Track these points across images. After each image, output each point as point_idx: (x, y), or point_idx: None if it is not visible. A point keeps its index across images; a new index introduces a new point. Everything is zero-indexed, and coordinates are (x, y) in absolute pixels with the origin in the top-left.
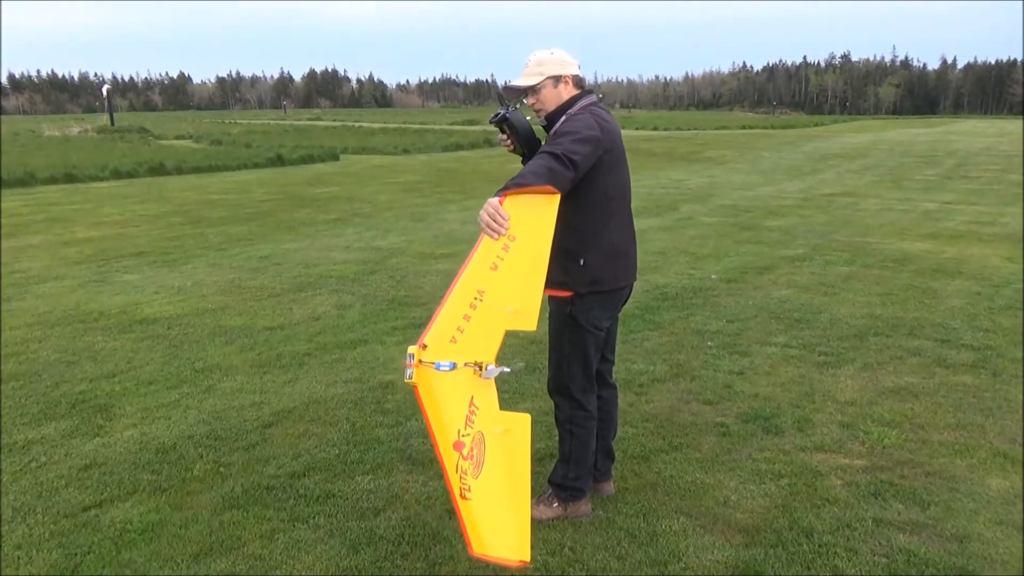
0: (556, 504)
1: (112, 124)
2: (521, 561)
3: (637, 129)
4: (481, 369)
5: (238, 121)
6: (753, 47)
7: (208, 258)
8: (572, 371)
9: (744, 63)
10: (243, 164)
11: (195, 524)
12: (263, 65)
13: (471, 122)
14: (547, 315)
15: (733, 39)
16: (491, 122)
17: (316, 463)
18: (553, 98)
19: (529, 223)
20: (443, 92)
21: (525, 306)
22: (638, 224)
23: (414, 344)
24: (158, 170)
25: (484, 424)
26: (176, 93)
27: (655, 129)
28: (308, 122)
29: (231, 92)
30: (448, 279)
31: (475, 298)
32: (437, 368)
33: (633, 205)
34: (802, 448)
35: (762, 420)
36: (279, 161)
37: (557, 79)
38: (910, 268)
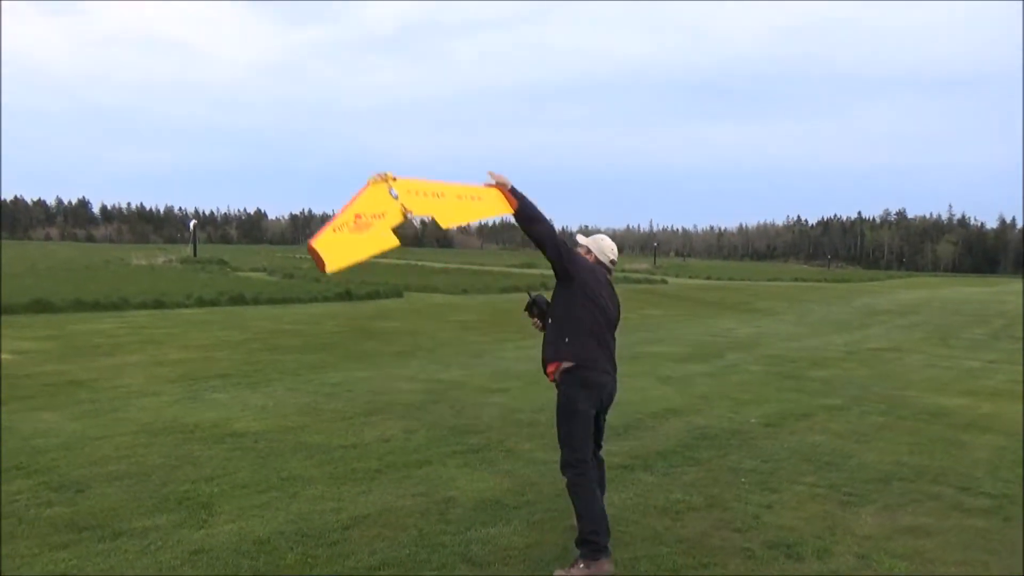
0: (581, 564)
1: (195, 255)
2: (326, 269)
3: (691, 278)
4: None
5: (308, 257)
6: (807, 200)
7: (286, 382)
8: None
9: (798, 216)
10: (314, 297)
11: None
12: (333, 204)
13: (528, 265)
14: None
15: (787, 192)
16: (524, 311)
17: (389, 560)
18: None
19: (499, 205)
20: (502, 235)
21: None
22: (683, 369)
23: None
24: (238, 299)
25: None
26: (251, 228)
27: (708, 278)
28: (372, 259)
29: (302, 228)
30: (505, 411)
31: (454, 194)
32: (391, 192)
33: (681, 352)
34: (819, 573)
35: (785, 547)
36: (347, 296)
37: (588, 250)
38: (943, 421)
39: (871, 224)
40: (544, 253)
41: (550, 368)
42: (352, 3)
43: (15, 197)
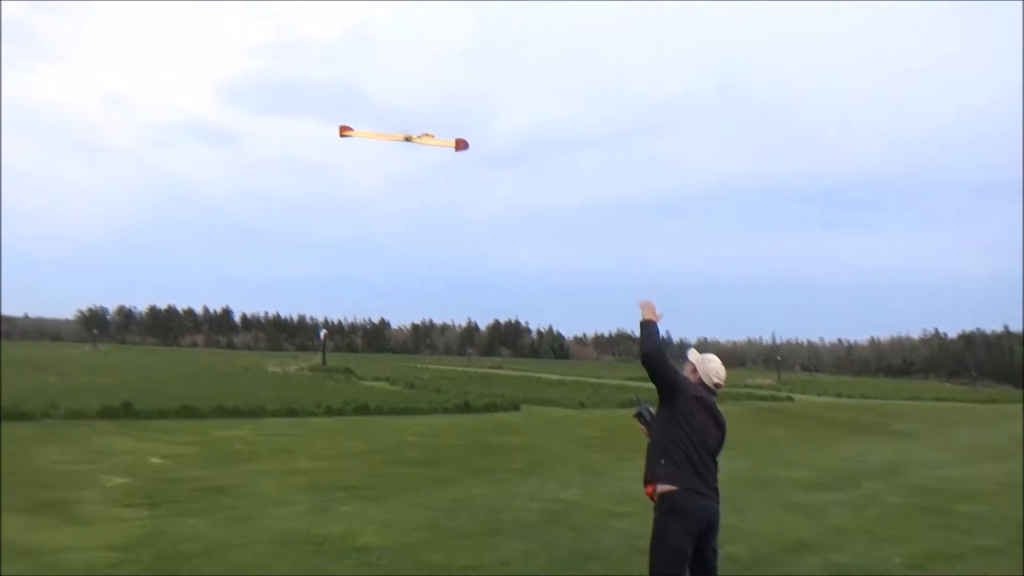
0: None
1: (324, 363)
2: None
3: (819, 395)
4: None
5: (428, 366)
6: (945, 312)
7: (408, 496)
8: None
9: (936, 329)
10: (434, 408)
11: None
12: (453, 314)
13: (646, 378)
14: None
15: (922, 302)
16: (633, 416)
17: None
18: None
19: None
20: (618, 346)
21: None
22: (815, 498)
23: None
24: (362, 409)
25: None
26: (376, 336)
27: (838, 396)
28: (490, 370)
29: (423, 338)
30: (626, 537)
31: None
32: None
33: (811, 478)
34: None
35: None
36: (466, 407)
37: (694, 368)
38: None
39: (1021, 338)
40: (647, 371)
41: (647, 489)
42: (476, 121)
43: (168, 306)
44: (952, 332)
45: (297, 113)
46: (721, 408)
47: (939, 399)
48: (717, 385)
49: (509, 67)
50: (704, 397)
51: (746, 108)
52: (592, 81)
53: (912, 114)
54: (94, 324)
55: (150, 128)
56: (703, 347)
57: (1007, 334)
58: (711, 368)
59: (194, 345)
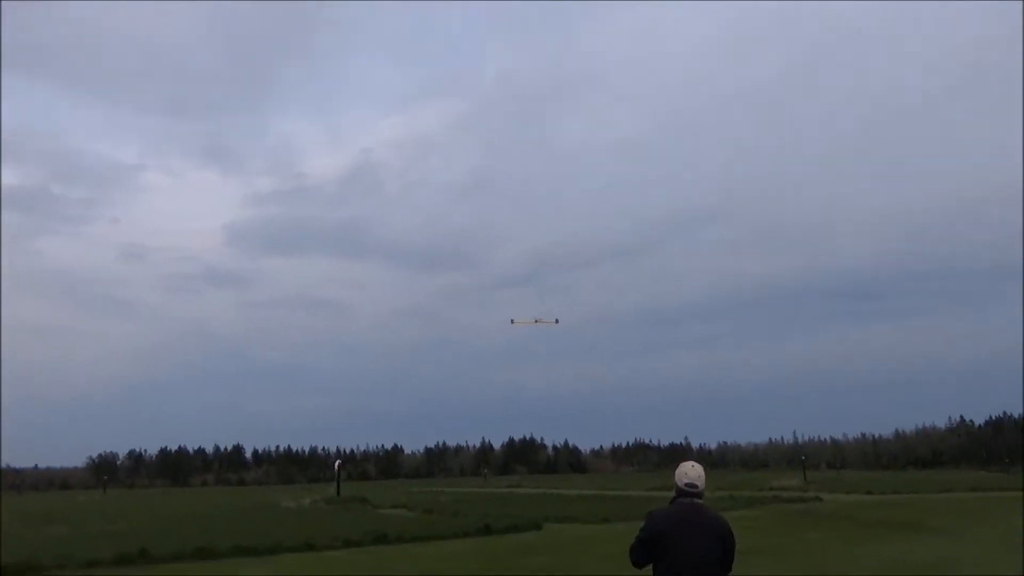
0: None
1: (338, 494)
2: None
3: (847, 493)
4: None
5: (444, 490)
6: (968, 398)
7: None
8: None
9: (962, 416)
10: (455, 533)
11: None
12: (468, 436)
13: (666, 488)
14: None
15: (944, 391)
16: None
17: None
18: None
19: None
20: (636, 457)
21: None
22: None
23: None
24: (380, 539)
25: None
26: (388, 463)
27: (868, 493)
28: (508, 489)
29: (436, 461)
30: None
31: None
32: None
33: None
34: None
35: None
36: (487, 530)
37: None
38: None
39: None
40: None
41: None
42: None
43: (179, 447)
44: (979, 419)
45: (308, 252)
46: (750, 513)
47: (974, 489)
48: (690, 486)
49: (512, 194)
50: (677, 513)
51: (753, 217)
52: (596, 200)
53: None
54: (104, 470)
55: (163, 277)
56: (724, 451)
57: None
58: (679, 474)
59: (204, 484)
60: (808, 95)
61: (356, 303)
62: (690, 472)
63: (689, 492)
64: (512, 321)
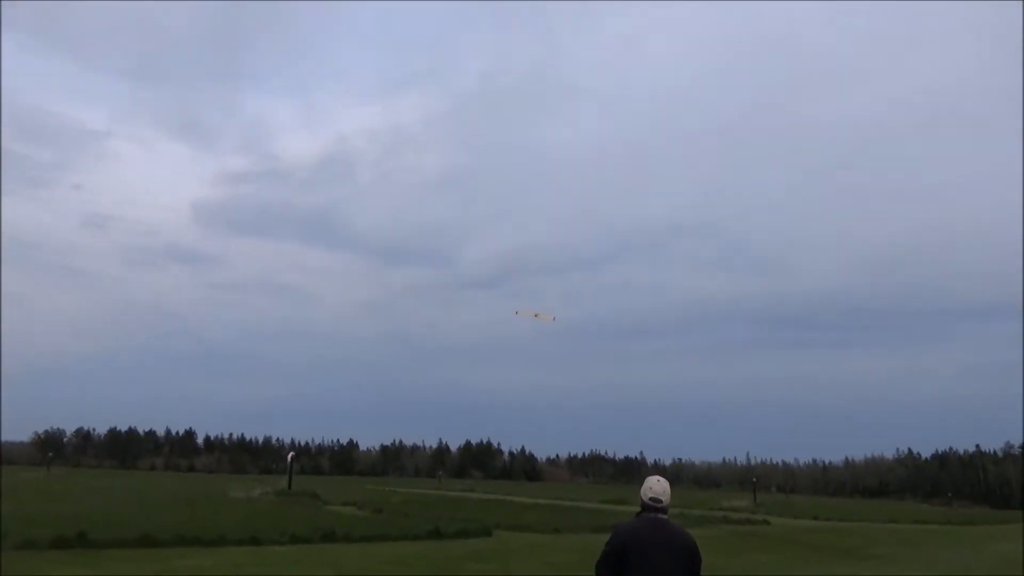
0: None
1: (289, 488)
2: None
3: (795, 517)
4: None
5: (397, 489)
6: (917, 432)
7: None
8: None
9: (909, 449)
10: (403, 534)
11: None
12: (424, 435)
13: (619, 501)
14: None
15: (895, 422)
16: None
17: None
18: None
19: None
20: (591, 468)
21: None
22: None
23: None
24: (329, 536)
25: None
26: (344, 459)
27: (815, 518)
28: (461, 493)
29: (392, 459)
30: None
31: None
32: None
33: None
34: None
35: None
36: (436, 534)
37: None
38: None
39: (993, 458)
40: None
41: None
42: (449, 248)
43: (129, 428)
44: (926, 452)
45: (275, 236)
46: (699, 532)
47: (917, 521)
48: (655, 500)
49: (486, 192)
50: (642, 527)
51: (719, 236)
52: (568, 207)
53: (875, 246)
54: (50, 447)
55: (123, 249)
56: (678, 468)
57: (979, 454)
58: (645, 487)
59: (153, 468)
60: (789, 119)
61: (320, 292)
62: (655, 487)
63: (654, 507)
64: (516, 312)
